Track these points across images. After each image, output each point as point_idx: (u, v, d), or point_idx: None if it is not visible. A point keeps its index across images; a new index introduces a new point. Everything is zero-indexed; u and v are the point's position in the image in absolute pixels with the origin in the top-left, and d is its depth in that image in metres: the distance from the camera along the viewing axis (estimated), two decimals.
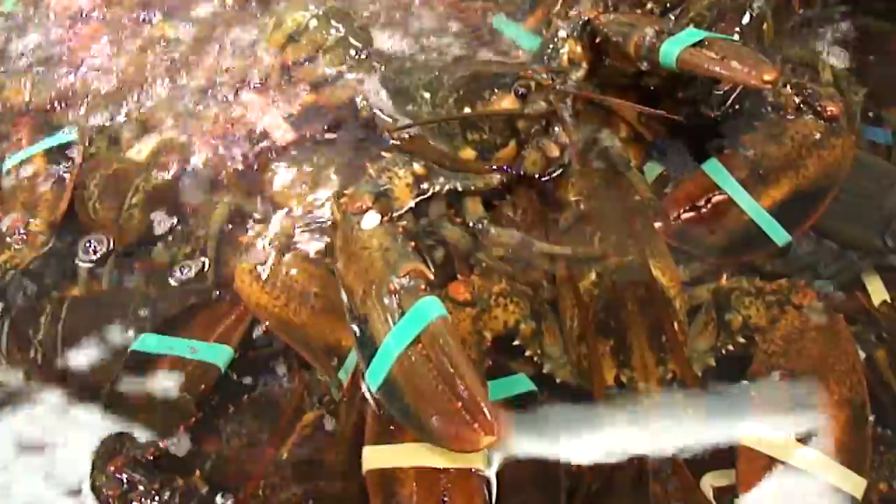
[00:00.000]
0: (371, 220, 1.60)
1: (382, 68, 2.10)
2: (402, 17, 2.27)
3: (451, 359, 1.36)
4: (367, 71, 2.11)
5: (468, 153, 1.79)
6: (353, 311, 1.50)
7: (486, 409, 1.32)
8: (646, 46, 1.69)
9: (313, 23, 2.28)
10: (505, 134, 1.76)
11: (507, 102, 1.72)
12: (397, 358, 1.38)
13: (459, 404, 1.33)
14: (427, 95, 1.83)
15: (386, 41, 2.20)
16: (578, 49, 1.87)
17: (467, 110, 1.75)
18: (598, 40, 1.85)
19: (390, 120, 1.94)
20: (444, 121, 1.78)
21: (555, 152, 1.78)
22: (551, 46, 1.88)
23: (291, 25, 2.28)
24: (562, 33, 1.88)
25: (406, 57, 2.16)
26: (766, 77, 1.47)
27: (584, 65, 1.86)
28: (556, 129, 1.77)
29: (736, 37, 1.97)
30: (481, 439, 1.30)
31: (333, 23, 2.28)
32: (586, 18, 1.85)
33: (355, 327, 1.49)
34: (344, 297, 1.55)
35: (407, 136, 1.85)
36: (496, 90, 1.74)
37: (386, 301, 1.44)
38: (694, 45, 1.62)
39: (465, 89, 1.77)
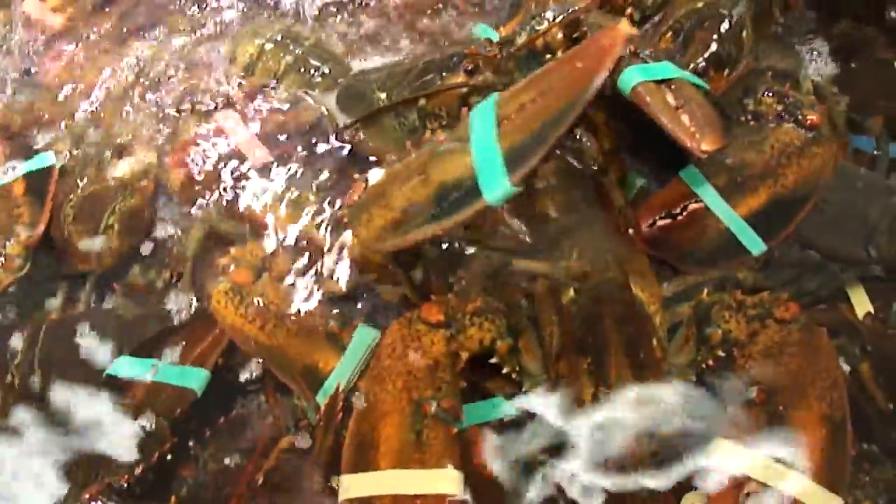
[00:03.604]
0: None
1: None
2: (378, 33, 2.26)
3: None
4: (329, 87, 2.09)
5: None
6: None
7: None
8: None
9: (268, 46, 2.28)
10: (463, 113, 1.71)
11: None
12: None
13: None
14: (383, 95, 1.81)
15: (363, 60, 2.18)
16: (559, 37, 1.81)
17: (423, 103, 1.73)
18: (575, 35, 1.79)
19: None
20: (393, 108, 1.74)
21: None
22: (532, 22, 1.82)
23: (245, 59, 2.28)
24: (549, 14, 1.82)
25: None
26: (705, 147, 1.39)
27: (560, 54, 1.80)
28: None
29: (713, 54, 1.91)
30: None
31: (290, 47, 2.27)
32: (573, 9, 1.79)
33: None
34: None
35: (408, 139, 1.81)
36: (444, 73, 1.71)
37: None
38: (660, 81, 1.54)
39: (417, 81, 1.75)
